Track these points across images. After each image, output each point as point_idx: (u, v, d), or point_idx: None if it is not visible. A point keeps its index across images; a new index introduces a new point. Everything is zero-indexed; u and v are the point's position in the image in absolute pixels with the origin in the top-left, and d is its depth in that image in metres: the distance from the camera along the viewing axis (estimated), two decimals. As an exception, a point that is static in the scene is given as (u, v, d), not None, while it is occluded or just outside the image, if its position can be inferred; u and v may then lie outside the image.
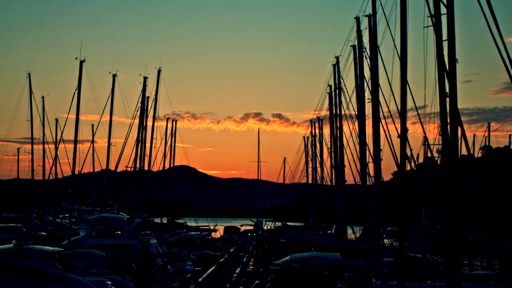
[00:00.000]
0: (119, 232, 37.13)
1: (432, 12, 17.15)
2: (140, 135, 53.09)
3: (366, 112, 32.95)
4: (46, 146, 65.83)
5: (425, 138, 33.52)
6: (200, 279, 30.05)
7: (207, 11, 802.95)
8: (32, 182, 67.93)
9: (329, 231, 54.75)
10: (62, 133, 57.73)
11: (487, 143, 78.89)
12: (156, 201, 65.72)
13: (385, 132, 29.33)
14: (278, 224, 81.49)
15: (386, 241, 33.68)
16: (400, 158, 16.69)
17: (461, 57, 17.24)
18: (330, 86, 50.06)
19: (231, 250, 53.24)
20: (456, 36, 16.90)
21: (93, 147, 61.19)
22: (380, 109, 29.49)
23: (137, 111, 53.16)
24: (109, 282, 21.85)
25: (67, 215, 46.08)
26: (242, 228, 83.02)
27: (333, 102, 49.29)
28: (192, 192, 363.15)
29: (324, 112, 57.34)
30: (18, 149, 75.95)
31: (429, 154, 68.55)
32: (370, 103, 30.59)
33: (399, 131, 16.97)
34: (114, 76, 52.60)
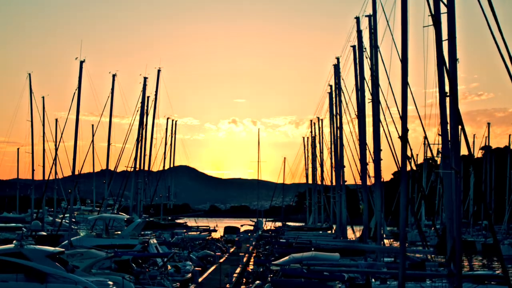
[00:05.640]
0: (119, 232, 37.13)
1: (433, 11, 17.12)
2: (140, 135, 53.10)
3: (366, 112, 32.91)
4: (46, 146, 65.85)
5: (426, 138, 33.53)
6: (200, 279, 30.06)
7: (207, 11, 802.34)
8: (32, 182, 67.83)
9: (329, 231, 54.70)
10: (62, 133, 57.67)
11: (487, 143, 78.82)
12: (156, 201, 65.73)
13: (385, 132, 29.30)
14: (278, 224, 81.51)
15: (386, 241, 33.64)
16: (401, 159, 16.66)
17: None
18: (331, 86, 50.10)
19: (231, 250, 53.27)
20: (460, 34, 16.90)
21: (93, 147, 61.13)
22: (380, 109, 29.44)
23: (137, 111, 53.22)
24: (109, 282, 21.87)
25: (67, 215, 46.03)
26: (242, 228, 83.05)
27: (334, 102, 49.29)
28: (192, 192, 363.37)
29: (325, 113, 57.36)
30: (18, 149, 75.75)
31: (429, 154, 68.67)
32: (370, 103, 30.57)
33: (399, 131, 16.93)
34: (114, 76, 52.60)
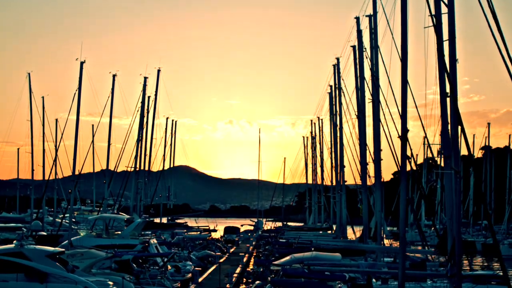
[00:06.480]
0: (119, 232, 37.13)
1: (433, 12, 17.12)
2: (140, 134, 53.08)
3: (366, 112, 32.90)
4: (46, 146, 65.82)
5: (425, 138, 33.55)
6: (200, 279, 30.08)
7: (207, 11, 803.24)
8: (32, 182, 67.81)
9: (329, 231, 54.71)
10: (62, 134, 57.61)
11: (487, 143, 78.83)
12: (156, 201, 65.70)
13: (385, 132, 29.30)
14: (278, 224, 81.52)
15: (386, 241, 33.63)
16: (401, 159, 16.66)
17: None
18: (331, 86, 50.12)
19: (231, 250, 53.29)
20: (456, 36, 16.89)
21: (93, 147, 61.09)
22: (380, 109, 29.44)
23: (137, 111, 53.19)
24: (109, 282, 21.88)
25: (67, 215, 46.07)
26: (242, 228, 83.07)
27: (334, 102, 49.30)
28: (192, 192, 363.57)
29: (325, 113, 57.34)
30: (18, 149, 75.65)
31: (429, 154, 68.68)
32: (370, 103, 30.56)
33: (399, 131, 16.93)
34: (114, 76, 52.55)
